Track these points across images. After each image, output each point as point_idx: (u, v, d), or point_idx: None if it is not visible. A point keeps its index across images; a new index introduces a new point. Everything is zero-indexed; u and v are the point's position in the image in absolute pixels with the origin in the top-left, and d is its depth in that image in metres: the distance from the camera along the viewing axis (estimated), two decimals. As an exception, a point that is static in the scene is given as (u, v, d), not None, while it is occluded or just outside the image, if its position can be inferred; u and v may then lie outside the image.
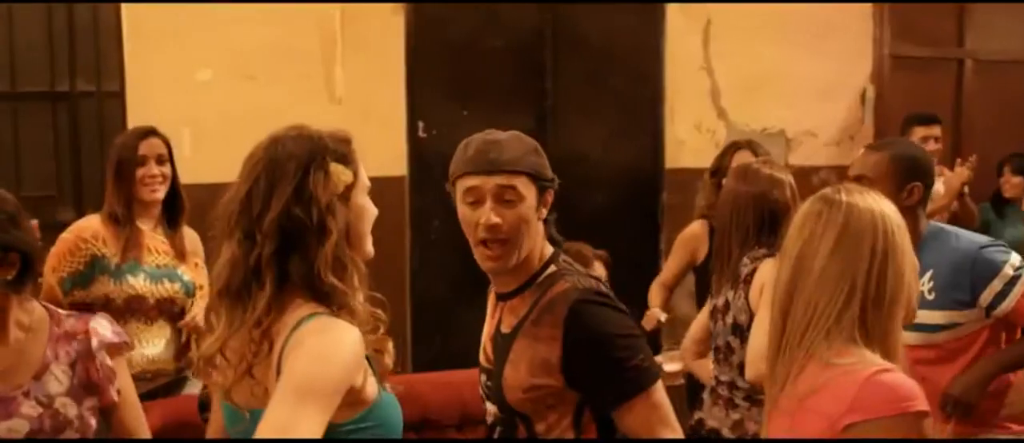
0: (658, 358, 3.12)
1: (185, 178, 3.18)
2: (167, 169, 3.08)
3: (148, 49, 4.35)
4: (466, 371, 2.70)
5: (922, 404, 1.56)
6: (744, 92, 5.13)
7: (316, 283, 1.60)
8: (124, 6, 4.33)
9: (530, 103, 4.81)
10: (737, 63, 5.09)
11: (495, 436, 2.01)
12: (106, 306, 2.87)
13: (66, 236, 2.98)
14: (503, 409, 1.96)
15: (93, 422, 2.01)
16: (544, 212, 1.99)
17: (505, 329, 1.98)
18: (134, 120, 4.21)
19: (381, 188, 4.93)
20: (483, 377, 2.06)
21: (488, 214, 1.90)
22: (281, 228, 1.60)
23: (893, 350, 1.66)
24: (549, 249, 2.01)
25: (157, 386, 3.02)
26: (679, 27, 5.02)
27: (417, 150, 4.65)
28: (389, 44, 4.59)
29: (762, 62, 5.10)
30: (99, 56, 4.43)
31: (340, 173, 1.66)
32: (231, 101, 4.37)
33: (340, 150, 1.70)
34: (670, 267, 3.83)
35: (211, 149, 4.07)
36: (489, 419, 2.04)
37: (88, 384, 2.01)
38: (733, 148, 3.74)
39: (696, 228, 3.76)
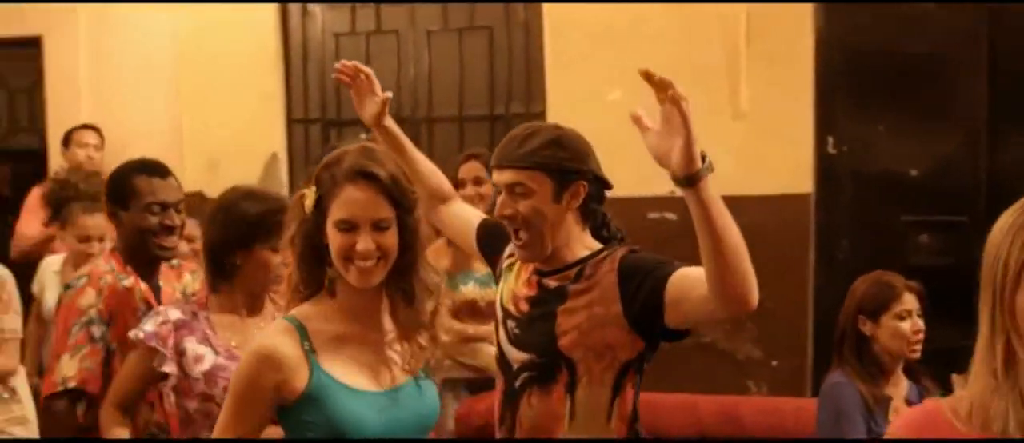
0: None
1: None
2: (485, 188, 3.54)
3: (567, 73, 4.71)
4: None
5: None
6: None
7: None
8: (547, 34, 4.74)
9: (959, 116, 4.41)
10: None
11: (518, 384, 2.14)
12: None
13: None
14: (544, 353, 2.07)
15: None
16: (573, 202, 2.10)
17: (553, 283, 2.12)
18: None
19: (782, 205, 4.86)
20: (510, 324, 2.17)
21: (501, 206, 2.10)
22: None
23: None
24: (594, 243, 2.13)
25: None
26: None
27: (826, 167, 4.47)
28: (797, 55, 4.47)
29: None
30: (529, 81, 4.89)
31: (308, 196, 1.87)
32: (638, 119, 4.56)
33: (319, 176, 1.88)
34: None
35: (621, 166, 4.30)
36: (514, 366, 2.15)
37: None
38: None
39: None
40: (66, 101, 5.49)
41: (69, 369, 2.54)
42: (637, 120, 1.82)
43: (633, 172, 4.24)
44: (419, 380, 1.91)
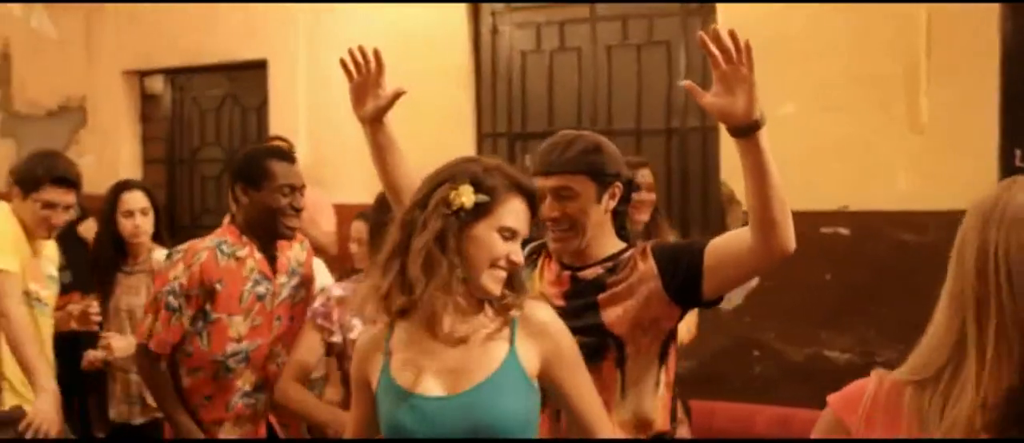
0: None
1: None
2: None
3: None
4: None
5: None
6: None
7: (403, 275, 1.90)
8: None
9: None
10: None
11: None
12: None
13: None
14: (591, 334, 2.18)
15: None
16: (612, 203, 2.28)
17: (589, 275, 2.30)
18: (727, 153, 4.63)
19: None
20: None
21: (548, 209, 2.25)
22: (401, 224, 1.94)
23: None
24: (619, 242, 2.31)
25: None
26: None
27: (1013, 180, 4.24)
28: (981, 62, 4.27)
29: None
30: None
31: (463, 193, 1.88)
32: (811, 133, 4.51)
33: (481, 179, 1.91)
34: None
35: (795, 180, 4.28)
36: None
37: None
38: None
39: None
40: (287, 118, 6.05)
41: (146, 327, 3.05)
42: (691, 88, 2.05)
43: (806, 186, 4.24)
44: (498, 381, 1.91)
